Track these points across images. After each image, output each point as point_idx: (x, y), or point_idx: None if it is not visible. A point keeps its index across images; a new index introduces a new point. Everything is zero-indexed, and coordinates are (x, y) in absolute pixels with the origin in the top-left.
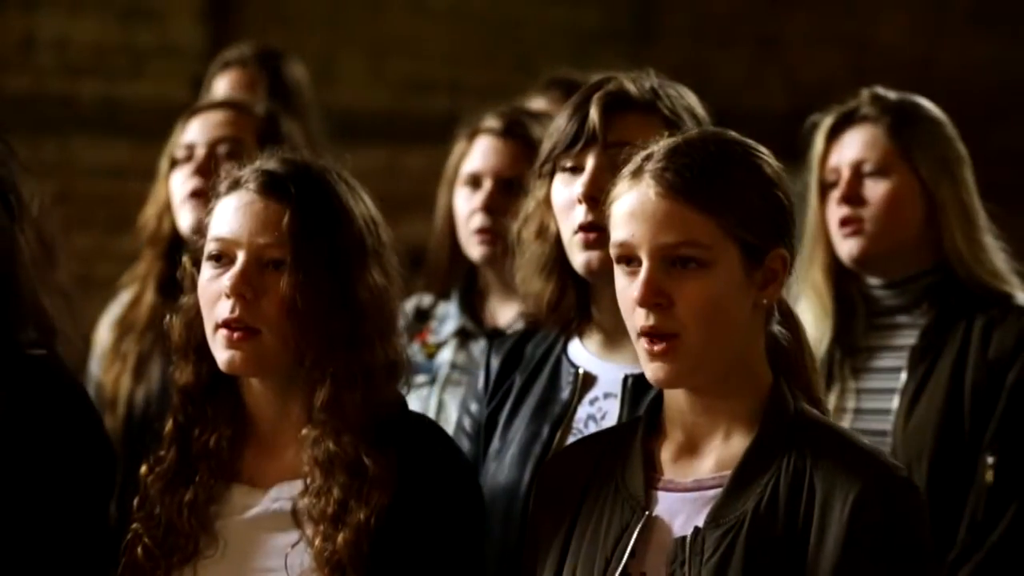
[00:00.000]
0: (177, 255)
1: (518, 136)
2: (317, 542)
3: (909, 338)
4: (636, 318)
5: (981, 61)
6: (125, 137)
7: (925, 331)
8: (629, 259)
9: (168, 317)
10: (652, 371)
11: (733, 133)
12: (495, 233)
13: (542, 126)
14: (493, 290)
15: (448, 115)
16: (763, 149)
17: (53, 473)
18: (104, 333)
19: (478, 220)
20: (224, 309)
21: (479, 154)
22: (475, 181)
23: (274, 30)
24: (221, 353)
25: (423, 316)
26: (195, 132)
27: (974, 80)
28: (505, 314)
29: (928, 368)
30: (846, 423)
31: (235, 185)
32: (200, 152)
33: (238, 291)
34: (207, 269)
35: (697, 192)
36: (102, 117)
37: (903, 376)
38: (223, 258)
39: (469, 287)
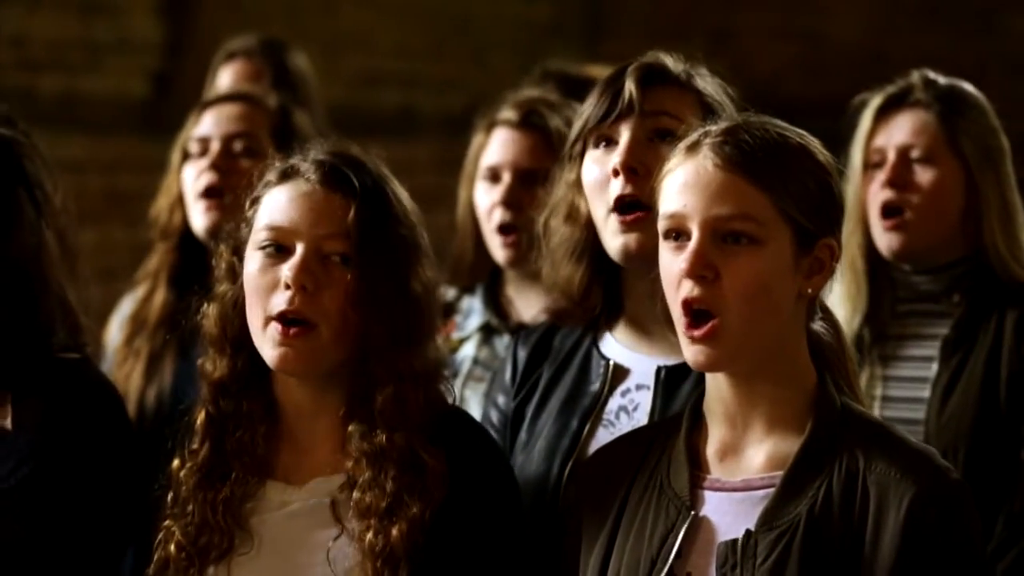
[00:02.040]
0: (190, 249)
1: (536, 127)
2: (368, 536)
3: (939, 328)
4: (680, 291)
5: (933, 55)
6: (84, 132)
7: (957, 322)
8: (678, 233)
9: (205, 306)
10: (693, 354)
11: (788, 124)
12: (518, 231)
13: (560, 116)
14: (516, 288)
15: (401, 109)
16: (817, 141)
17: (85, 477)
18: (115, 330)
19: (499, 215)
20: (281, 300)
21: (497, 147)
22: (494, 174)
23: (231, 25)
24: (272, 349)
25: (447, 310)
26: (209, 126)
27: None
28: (529, 311)
29: (962, 360)
30: (875, 411)
31: (289, 174)
32: (215, 147)
33: (300, 282)
34: (258, 258)
35: (756, 167)
36: (61, 112)
37: (935, 366)
38: (279, 248)
39: (494, 282)
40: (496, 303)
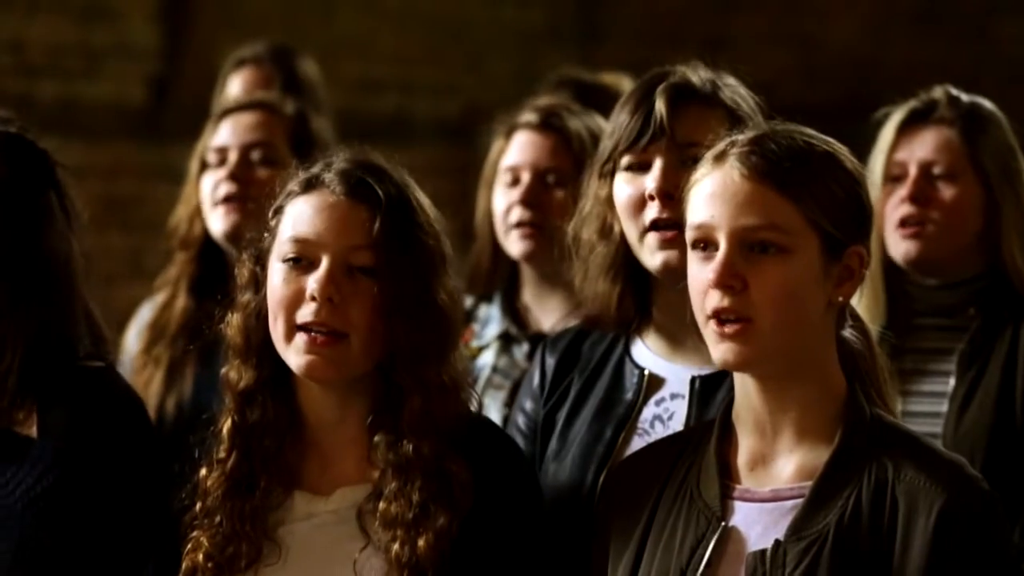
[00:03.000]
0: (209, 258)
1: (556, 129)
2: (395, 547)
3: (956, 342)
4: (708, 300)
5: (928, 61)
6: (82, 137)
7: (973, 336)
8: (705, 243)
9: (229, 315)
10: (721, 352)
11: (814, 131)
12: (535, 226)
13: (579, 120)
14: (534, 296)
15: (398, 114)
16: (845, 148)
17: (109, 486)
18: (132, 338)
19: (517, 213)
20: (307, 312)
21: (517, 149)
22: (514, 176)
23: (229, 31)
24: (299, 357)
25: (465, 318)
26: (226, 135)
27: (921, 80)
28: (546, 317)
29: (977, 373)
30: None
31: (312, 184)
32: (233, 157)
33: (327, 295)
34: (283, 270)
35: (783, 177)
36: (58, 117)
37: (952, 381)
38: (302, 260)
39: (511, 290)
40: (514, 311)
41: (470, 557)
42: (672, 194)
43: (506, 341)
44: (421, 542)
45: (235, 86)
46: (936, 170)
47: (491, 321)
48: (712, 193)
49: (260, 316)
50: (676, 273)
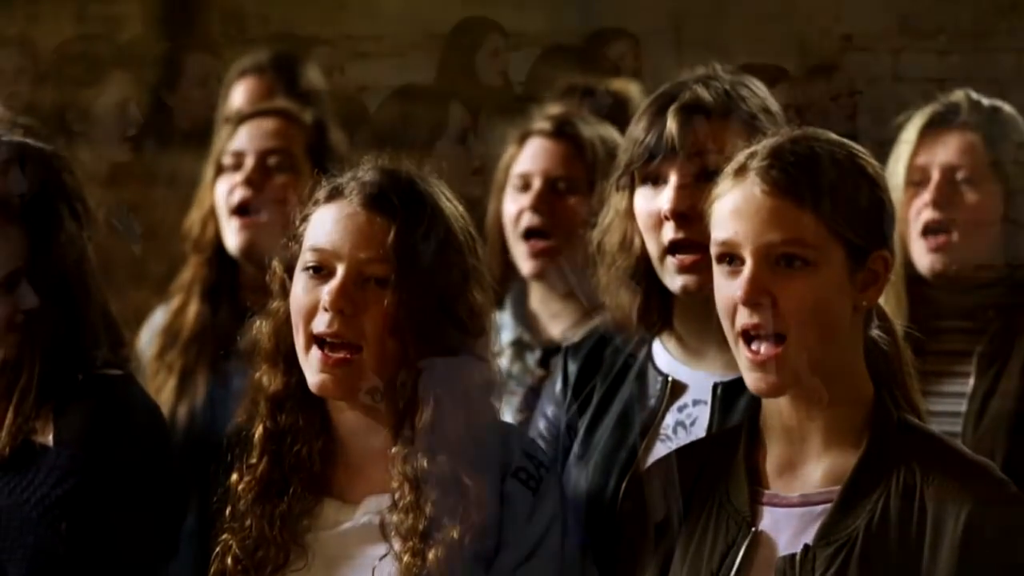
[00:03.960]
0: (222, 262)
1: (568, 136)
2: (406, 557)
3: (975, 344)
4: (739, 318)
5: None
6: (82, 143)
7: (992, 336)
8: (731, 258)
9: (257, 322)
10: (754, 381)
11: (833, 134)
12: (545, 241)
13: (592, 128)
14: (542, 302)
15: (397, 119)
16: (864, 150)
17: (125, 494)
18: (146, 343)
19: (527, 219)
20: (321, 323)
21: (529, 155)
22: (525, 182)
23: (231, 38)
24: (314, 375)
25: None
26: (244, 140)
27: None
28: (553, 324)
29: (997, 373)
30: None
31: (335, 194)
32: (249, 162)
33: (338, 306)
34: (302, 279)
35: (804, 191)
36: (58, 124)
37: (971, 380)
38: (321, 270)
39: (522, 297)
40: (526, 318)
41: (489, 569)
42: (687, 214)
43: (519, 348)
44: (431, 555)
45: (238, 96)
46: (960, 175)
47: (503, 328)
48: (735, 209)
49: (289, 323)
50: (694, 294)
